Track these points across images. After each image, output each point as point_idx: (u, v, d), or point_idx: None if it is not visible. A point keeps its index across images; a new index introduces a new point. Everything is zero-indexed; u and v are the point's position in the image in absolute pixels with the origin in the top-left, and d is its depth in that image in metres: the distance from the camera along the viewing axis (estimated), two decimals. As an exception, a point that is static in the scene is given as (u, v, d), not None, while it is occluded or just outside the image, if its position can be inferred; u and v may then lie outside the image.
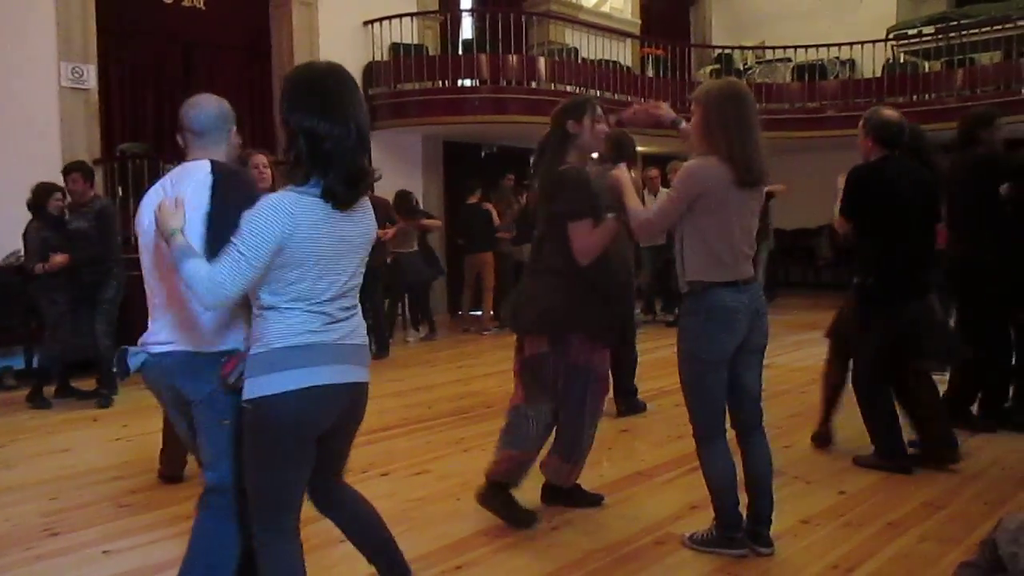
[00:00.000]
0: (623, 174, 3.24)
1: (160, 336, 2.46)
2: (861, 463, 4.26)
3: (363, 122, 2.21)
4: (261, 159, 4.58)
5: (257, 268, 2.11)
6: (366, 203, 2.33)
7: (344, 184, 2.16)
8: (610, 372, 3.78)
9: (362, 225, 2.29)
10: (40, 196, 6.08)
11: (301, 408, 2.19)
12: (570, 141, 3.49)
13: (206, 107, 2.53)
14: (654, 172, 9.34)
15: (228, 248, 2.12)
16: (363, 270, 2.37)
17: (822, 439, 4.63)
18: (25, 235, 6.16)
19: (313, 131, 2.13)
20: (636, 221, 3.16)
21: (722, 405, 3.17)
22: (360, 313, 2.39)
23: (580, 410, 3.45)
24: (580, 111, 3.48)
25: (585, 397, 3.45)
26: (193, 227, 2.29)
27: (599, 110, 3.51)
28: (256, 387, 2.17)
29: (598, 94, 10.94)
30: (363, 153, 2.23)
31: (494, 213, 9.66)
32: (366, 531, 2.54)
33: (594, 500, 3.78)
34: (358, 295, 2.37)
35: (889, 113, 4.18)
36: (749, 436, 3.24)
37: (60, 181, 6.15)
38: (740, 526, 3.21)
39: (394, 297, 9.16)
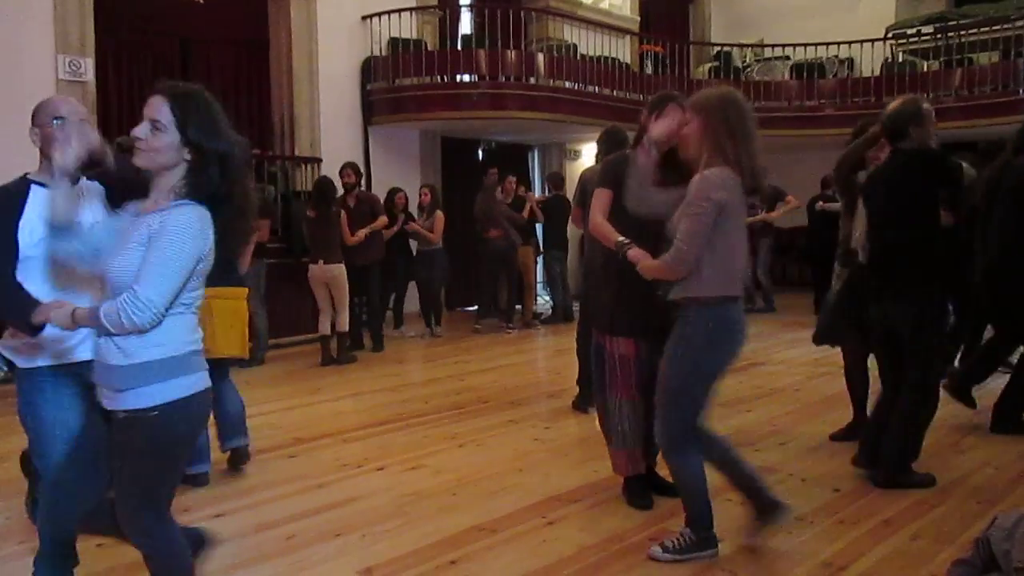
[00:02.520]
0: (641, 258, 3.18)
1: None
2: None
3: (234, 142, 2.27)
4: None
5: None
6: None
7: (226, 199, 2.22)
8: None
9: None
10: None
11: (202, 410, 2.30)
12: (644, 136, 3.57)
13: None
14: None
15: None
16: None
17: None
18: None
19: (202, 148, 2.18)
20: (670, 269, 2.99)
21: (702, 412, 3.10)
22: None
23: (600, 392, 3.75)
24: (652, 107, 3.54)
25: (602, 379, 3.70)
26: None
27: (669, 106, 3.46)
28: (162, 392, 2.17)
29: (596, 91, 10.95)
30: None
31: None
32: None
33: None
34: None
35: (895, 104, 3.90)
36: None
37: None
38: (712, 523, 3.15)
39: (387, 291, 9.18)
